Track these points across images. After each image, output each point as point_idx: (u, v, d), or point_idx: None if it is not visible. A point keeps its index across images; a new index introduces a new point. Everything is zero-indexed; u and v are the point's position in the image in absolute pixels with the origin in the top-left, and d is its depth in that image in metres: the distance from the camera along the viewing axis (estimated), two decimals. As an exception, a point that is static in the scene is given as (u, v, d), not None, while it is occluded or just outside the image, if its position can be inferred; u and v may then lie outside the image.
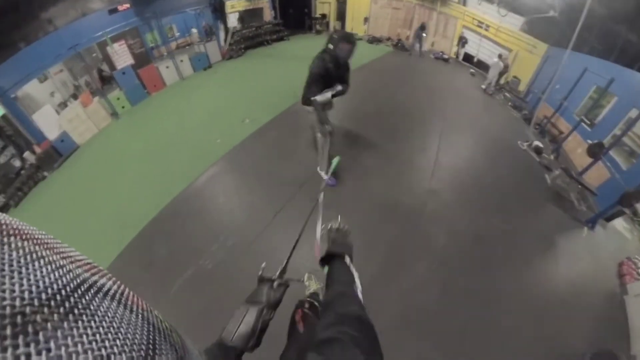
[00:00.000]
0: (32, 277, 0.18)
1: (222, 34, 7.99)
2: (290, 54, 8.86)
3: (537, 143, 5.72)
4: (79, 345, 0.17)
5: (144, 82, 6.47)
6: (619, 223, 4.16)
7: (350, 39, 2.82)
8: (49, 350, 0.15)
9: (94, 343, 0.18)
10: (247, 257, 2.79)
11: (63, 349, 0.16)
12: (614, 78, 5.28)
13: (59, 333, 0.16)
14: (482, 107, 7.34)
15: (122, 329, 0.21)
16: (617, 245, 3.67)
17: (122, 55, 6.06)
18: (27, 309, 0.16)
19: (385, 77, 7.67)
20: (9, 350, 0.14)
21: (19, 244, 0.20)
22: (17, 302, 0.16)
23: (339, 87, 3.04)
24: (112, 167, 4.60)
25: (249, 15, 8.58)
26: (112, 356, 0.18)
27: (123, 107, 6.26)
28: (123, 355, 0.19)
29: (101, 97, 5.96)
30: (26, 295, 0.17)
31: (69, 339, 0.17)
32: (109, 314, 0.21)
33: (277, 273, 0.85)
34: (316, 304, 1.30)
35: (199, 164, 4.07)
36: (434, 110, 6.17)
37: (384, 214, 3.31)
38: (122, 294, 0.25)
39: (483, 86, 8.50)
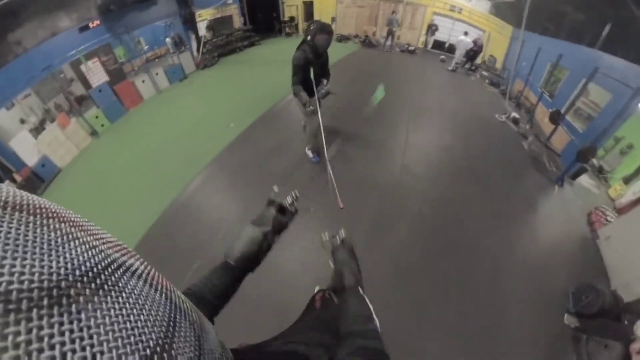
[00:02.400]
0: (67, 255, 0.20)
1: (194, 44, 8.02)
2: (263, 58, 9.02)
3: (514, 114, 6.28)
4: (107, 318, 0.19)
5: (121, 99, 6.41)
6: (585, 180, 4.70)
7: (326, 29, 2.99)
8: (79, 320, 0.17)
9: (120, 317, 0.20)
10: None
11: (92, 320, 0.18)
12: (562, 54, 5.88)
13: (89, 306, 0.18)
14: (454, 88, 7.82)
15: (146, 306, 0.23)
16: (584, 199, 4.17)
17: (96, 73, 6.00)
18: (63, 284, 0.18)
19: (356, 72, 7.99)
20: (45, 319, 0.16)
21: (57, 226, 0.21)
22: (54, 277, 0.18)
23: (326, 86, 3.32)
24: (100, 184, 4.55)
25: (219, 24, 8.64)
26: (136, 329, 0.20)
27: (102, 126, 6.17)
28: (146, 329, 0.21)
29: (78, 116, 5.87)
30: (62, 271, 0.18)
31: (98, 311, 0.18)
32: (135, 292, 0.23)
33: (290, 201, 0.86)
34: (334, 297, 1.33)
35: (191, 169, 4.16)
36: (403, 97, 6.64)
37: (366, 188, 3.75)
38: (148, 273, 0.27)
39: (449, 67, 9.01)
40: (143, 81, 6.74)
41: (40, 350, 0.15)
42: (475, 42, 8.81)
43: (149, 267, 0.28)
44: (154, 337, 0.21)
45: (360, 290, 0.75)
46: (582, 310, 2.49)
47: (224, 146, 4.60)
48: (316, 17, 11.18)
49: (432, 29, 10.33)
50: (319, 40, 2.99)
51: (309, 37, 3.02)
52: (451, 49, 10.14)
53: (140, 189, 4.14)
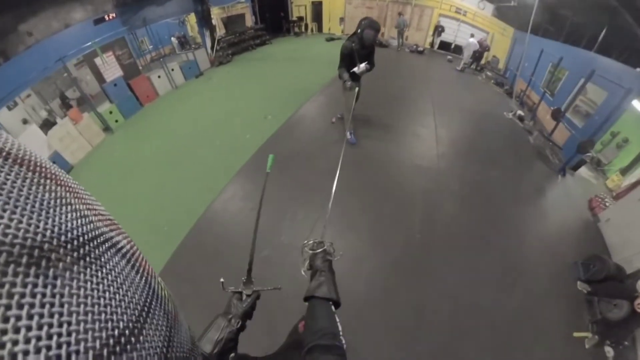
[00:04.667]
0: (56, 219, 0.19)
1: (208, 41, 7.86)
2: (278, 56, 8.96)
3: (519, 112, 6.61)
4: (82, 290, 0.18)
5: (136, 94, 6.16)
6: (584, 172, 5.12)
7: (374, 26, 3.39)
8: (54, 286, 0.16)
9: (95, 291, 0.19)
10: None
11: (67, 288, 0.17)
12: (563, 56, 6.28)
13: (67, 274, 0.18)
14: (465, 87, 8.05)
15: (124, 286, 0.22)
16: (584, 189, 4.58)
17: (111, 67, 5.75)
18: (45, 246, 0.17)
19: (376, 69, 8.02)
20: (20, 277, 0.15)
21: (53, 188, 0.21)
22: (38, 237, 0.17)
23: (365, 65, 3.65)
24: (121, 179, 4.28)
25: (232, 22, 8.53)
26: (109, 307, 0.19)
27: (116, 121, 5.90)
28: (119, 309, 0.20)
29: (90, 111, 5.59)
30: (47, 233, 0.18)
31: (75, 281, 0.18)
32: (116, 270, 0.22)
33: (241, 285, 0.87)
34: None
35: (236, 160, 4.01)
36: (423, 94, 6.88)
37: (415, 168, 4.20)
38: (133, 254, 0.26)
39: (458, 68, 9.18)
40: (159, 76, 6.52)
41: (8, 307, 0.14)
42: (480, 43, 9.02)
43: (134, 248, 0.27)
44: (125, 318, 0.20)
45: (333, 308, 0.77)
46: (591, 278, 2.83)
47: (268, 136, 4.57)
48: (325, 17, 11.24)
49: (438, 30, 10.48)
50: (366, 35, 3.40)
51: (359, 30, 3.41)
52: (457, 50, 10.34)
53: (173, 182, 3.92)
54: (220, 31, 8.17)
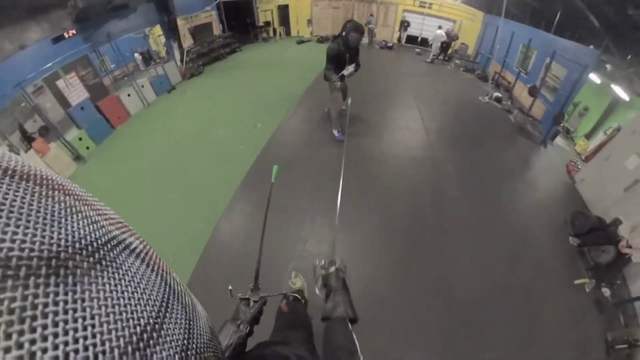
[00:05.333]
0: (69, 228, 0.20)
1: (177, 54, 7.48)
2: (251, 63, 8.74)
3: (496, 94, 6.90)
4: (102, 292, 0.19)
5: (106, 116, 5.70)
6: (560, 141, 5.76)
7: (359, 29, 3.46)
8: (74, 292, 0.17)
9: (114, 292, 0.20)
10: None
11: (87, 293, 0.18)
12: (532, 38, 6.82)
13: (85, 279, 0.18)
14: (437, 77, 8.40)
15: (141, 285, 0.23)
16: (561, 155, 5.10)
17: (75, 89, 5.28)
18: (62, 255, 0.18)
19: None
20: (41, 287, 0.16)
21: (61, 198, 0.21)
22: (54, 248, 0.18)
23: (353, 67, 3.74)
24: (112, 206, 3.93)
25: (199, 32, 8.20)
26: (129, 306, 0.20)
27: (87, 148, 5.40)
28: (138, 307, 0.21)
29: (57, 139, 5.09)
30: (62, 242, 0.18)
31: (94, 285, 0.18)
32: (132, 270, 0.23)
33: (249, 292, 0.90)
34: (299, 297, 1.38)
35: (235, 172, 3.84)
36: (402, 88, 7.07)
37: (411, 163, 4.31)
38: (146, 253, 0.27)
39: (427, 60, 9.51)
40: (129, 95, 6.08)
41: (34, 318, 0.15)
42: (448, 33, 9.39)
43: (147, 247, 0.28)
44: (145, 316, 0.21)
45: (349, 325, 0.79)
46: (578, 231, 3.20)
47: (263, 144, 4.44)
48: (292, 20, 11.17)
49: (404, 25, 10.83)
50: (351, 37, 3.46)
51: (343, 33, 3.47)
52: (424, 43, 10.71)
53: (162, 204, 3.64)
54: (188, 42, 7.80)
